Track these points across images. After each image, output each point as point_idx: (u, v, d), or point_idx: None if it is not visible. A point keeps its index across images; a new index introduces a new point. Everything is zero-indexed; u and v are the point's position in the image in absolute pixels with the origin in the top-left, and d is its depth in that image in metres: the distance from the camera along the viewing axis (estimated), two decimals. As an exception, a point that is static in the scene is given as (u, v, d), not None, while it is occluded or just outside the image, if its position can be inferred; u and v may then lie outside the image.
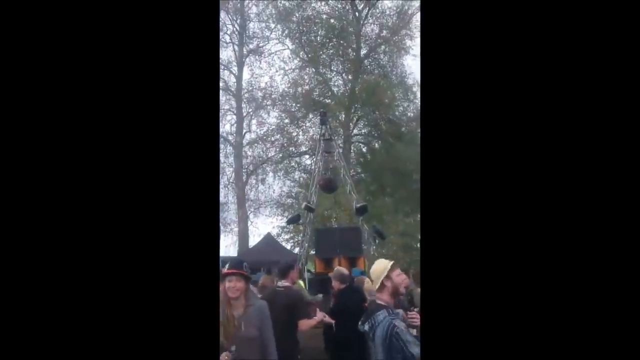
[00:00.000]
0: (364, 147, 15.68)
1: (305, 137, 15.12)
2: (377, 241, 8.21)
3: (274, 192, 15.52)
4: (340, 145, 11.63)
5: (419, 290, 3.64)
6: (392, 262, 2.01)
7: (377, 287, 1.94)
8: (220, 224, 13.27)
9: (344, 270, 3.52)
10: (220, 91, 15.45)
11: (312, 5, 14.80)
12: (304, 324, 2.62)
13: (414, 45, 14.56)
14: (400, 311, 2.01)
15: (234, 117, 15.77)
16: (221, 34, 15.43)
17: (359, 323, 2.04)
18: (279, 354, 2.41)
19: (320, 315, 3.17)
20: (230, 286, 1.98)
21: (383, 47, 15.10)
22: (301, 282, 4.58)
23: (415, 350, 1.78)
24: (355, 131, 15.38)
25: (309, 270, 8.58)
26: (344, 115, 14.49)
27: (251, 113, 15.92)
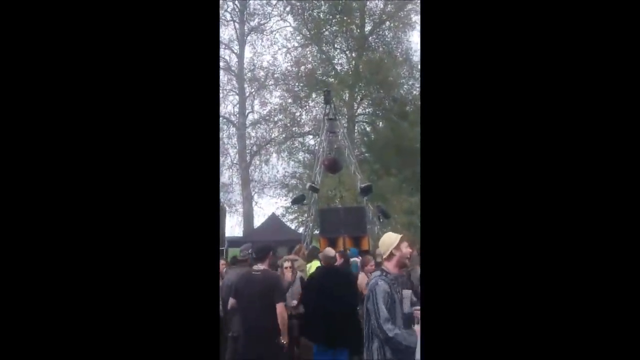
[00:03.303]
0: (368, 126, 15.52)
1: (309, 117, 15.00)
2: (381, 220, 8.23)
3: (277, 173, 15.56)
4: (344, 125, 11.51)
5: (418, 269, 3.67)
6: (401, 235, 2.20)
7: (385, 256, 2.17)
8: (225, 205, 13.37)
9: (330, 251, 3.52)
10: (222, 71, 15.26)
11: (315, -21, 14.36)
12: (280, 308, 2.57)
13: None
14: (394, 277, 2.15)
15: (236, 97, 15.62)
16: (221, 11, 15.07)
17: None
18: (259, 339, 2.43)
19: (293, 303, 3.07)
20: None
21: (388, 23, 14.70)
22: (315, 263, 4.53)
23: (383, 315, 1.93)
24: (359, 110, 15.19)
25: (314, 250, 8.65)
26: (347, 95, 14.28)
27: (253, 93, 15.74)
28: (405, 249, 2.16)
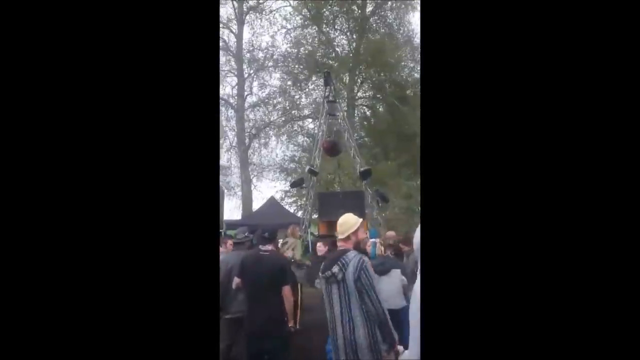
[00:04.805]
0: (367, 110, 15.38)
1: (308, 100, 14.85)
2: (380, 204, 8.25)
3: (276, 157, 15.51)
4: (344, 108, 11.39)
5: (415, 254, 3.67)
6: (361, 220, 2.19)
7: (343, 237, 2.15)
8: (224, 188, 13.36)
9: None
10: (220, 51, 14.96)
11: (315, -43, 13.94)
12: (287, 291, 2.52)
13: (423, 1, 13.79)
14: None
15: (235, 78, 15.39)
16: (219, -11, 14.67)
17: (321, 272, 2.16)
18: (266, 318, 2.41)
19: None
20: None
21: (390, 3, 14.37)
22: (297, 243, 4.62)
23: (376, 285, 1.96)
24: (359, 94, 15.02)
25: (312, 234, 8.72)
26: (348, 77, 14.09)
27: (252, 75, 15.52)
28: (362, 234, 2.17)
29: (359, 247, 2.17)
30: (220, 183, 12.50)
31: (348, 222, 2.16)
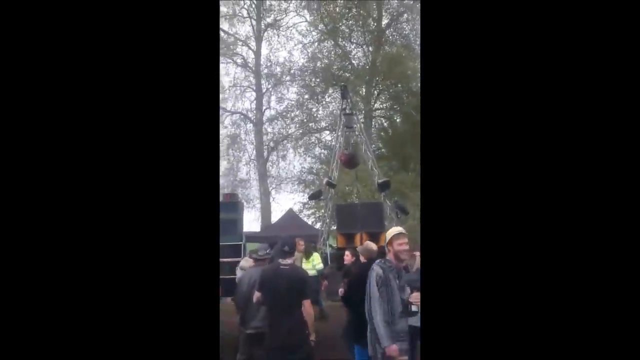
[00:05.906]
0: (385, 121, 15.34)
1: (325, 112, 14.97)
2: (399, 216, 8.14)
3: (294, 169, 15.62)
4: (361, 120, 11.40)
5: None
6: (398, 232, 2.31)
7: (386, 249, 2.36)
8: (243, 200, 13.50)
9: (372, 245, 3.37)
10: (239, 68, 15.39)
11: (331, -27, 14.24)
12: (308, 304, 2.51)
13: (439, 12, 13.78)
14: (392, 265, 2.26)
15: (254, 93, 15.72)
16: (238, 8, 15.18)
17: None
18: (288, 332, 2.42)
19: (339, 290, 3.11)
20: None
21: (406, 15, 14.45)
22: (317, 255, 4.63)
23: (374, 296, 2.09)
24: (376, 105, 15.03)
25: (330, 246, 8.67)
26: (364, 90, 14.14)
27: (270, 89, 15.82)
28: (398, 246, 2.27)
29: (399, 259, 2.31)
30: (240, 195, 12.65)
31: (386, 234, 2.36)
